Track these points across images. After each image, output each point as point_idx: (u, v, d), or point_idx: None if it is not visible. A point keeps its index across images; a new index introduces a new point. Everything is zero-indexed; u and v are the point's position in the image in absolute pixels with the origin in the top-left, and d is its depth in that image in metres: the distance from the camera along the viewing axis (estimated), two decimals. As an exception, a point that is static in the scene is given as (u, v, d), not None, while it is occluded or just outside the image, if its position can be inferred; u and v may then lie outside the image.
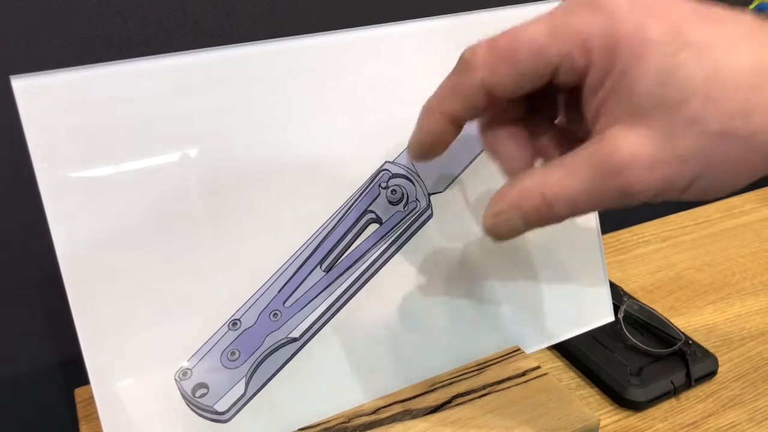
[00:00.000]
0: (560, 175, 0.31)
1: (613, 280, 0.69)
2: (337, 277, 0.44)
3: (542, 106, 0.37)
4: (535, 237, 0.51)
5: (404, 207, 0.46)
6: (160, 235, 0.40)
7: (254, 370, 0.42)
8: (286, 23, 0.64)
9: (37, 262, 0.61)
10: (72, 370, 0.67)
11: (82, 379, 0.47)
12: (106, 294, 0.39)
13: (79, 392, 0.56)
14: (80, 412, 0.54)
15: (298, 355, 0.43)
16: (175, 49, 0.40)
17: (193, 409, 0.41)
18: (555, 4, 0.50)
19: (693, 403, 0.55)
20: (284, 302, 0.43)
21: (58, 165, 0.38)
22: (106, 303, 0.39)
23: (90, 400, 0.55)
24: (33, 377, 0.66)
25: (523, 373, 0.47)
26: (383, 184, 0.45)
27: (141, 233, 0.40)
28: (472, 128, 0.48)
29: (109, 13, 0.57)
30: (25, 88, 0.37)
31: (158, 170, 0.40)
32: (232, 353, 0.42)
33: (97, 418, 0.40)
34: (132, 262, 0.40)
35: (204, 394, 0.41)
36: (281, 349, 0.43)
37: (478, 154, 0.48)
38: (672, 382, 0.55)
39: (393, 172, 0.46)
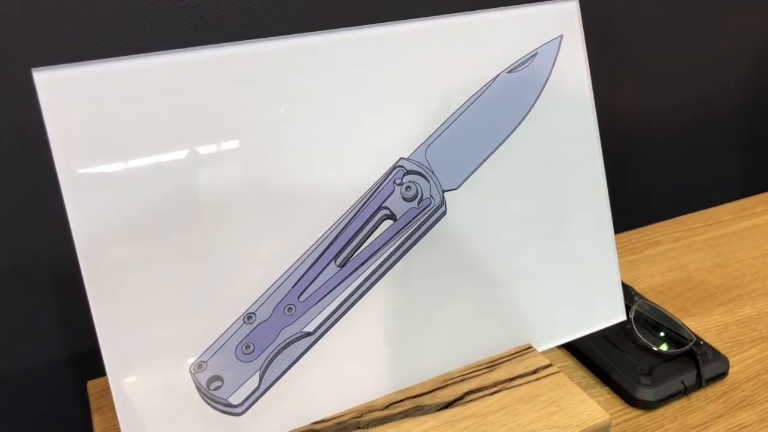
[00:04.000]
0: None
1: (624, 281, 0.69)
2: (351, 273, 0.44)
3: None
4: (548, 233, 0.51)
5: (418, 204, 0.46)
6: (178, 229, 0.40)
7: (268, 364, 0.42)
8: (302, 18, 0.64)
9: (51, 255, 0.62)
10: (85, 363, 0.67)
11: (95, 371, 0.48)
12: (124, 288, 0.39)
13: (91, 385, 0.57)
14: (93, 405, 0.54)
15: (311, 349, 0.44)
16: (193, 44, 0.41)
17: (207, 402, 0.41)
18: (572, 4, 0.50)
19: (703, 403, 0.55)
20: (299, 296, 0.43)
21: (78, 158, 0.38)
22: (123, 296, 0.39)
23: (102, 392, 0.55)
24: (46, 370, 0.66)
25: (535, 371, 0.47)
26: (398, 181, 0.46)
27: (158, 227, 0.40)
28: (486, 126, 0.48)
29: (130, 6, 0.57)
30: (47, 80, 0.37)
31: (176, 165, 0.40)
32: (247, 347, 0.42)
33: (110, 410, 0.40)
34: (150, 256, 0.40)
35: (218, 387, 0.41)
36: (295, 344, 0.43)
37: (493, 152, 0.48)
38: (683, 383, 0.55)
39: (408, 168, 0.46)
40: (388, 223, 0.46)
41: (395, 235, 0.45)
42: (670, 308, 0.65)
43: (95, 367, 0.41)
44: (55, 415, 0.69)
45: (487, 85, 0.48)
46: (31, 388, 0.67)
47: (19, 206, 0.60)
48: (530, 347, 0.50)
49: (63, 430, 0.70)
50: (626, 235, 0.79)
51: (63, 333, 0.66)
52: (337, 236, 0.44)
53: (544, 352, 0.50)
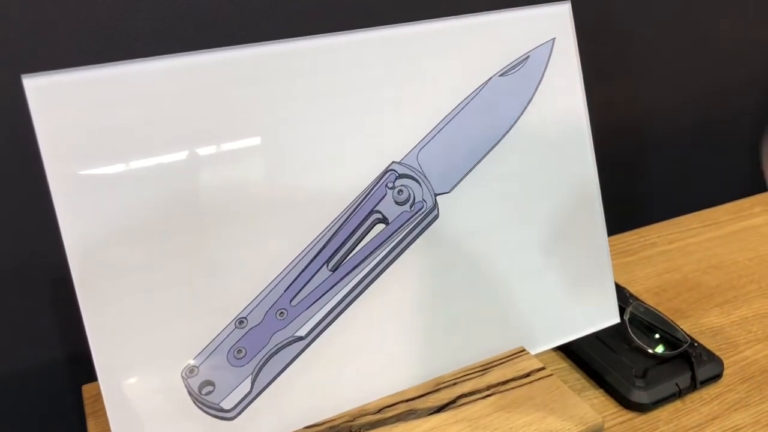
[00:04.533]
0: None
1: (619, 282, 0.68)
2: (343, 277, 0.44)
3: None
4: (541, 236, 0.51)
5: (410, 207, 0.46)
6: (168, 233, 0.40)
7: (260, 369, 0.42)
8: (299, 22, 0.64)
9: (46, 258, 0.62)
10: (80, 367, 0.67)
11: (90, 375, 0.48)
12: (115, 292, 0.40)
13: (86, 388, 0.57)
14: (88, 409, 0.55)
15: (303, 353, 0.44)
16: (188, 48, 0.41)
17: (199, 407, 0.41)
18: (564, 6, 0.50)
19: (698, 405, 0.55)
20: (291, 301, 0.43)
21: (68, 163, 0.38)
22: (115, 300, 0.40)
23: (97, 396, 0.55)
24: (41, 373, 0.67)
25: (528, 374, 0.47)
26: (390, 184, 0.46)
27: (149, 232, 0.40)
28: (478, 129, 0.48)
29: (121, 11, 0.57)
30: (36, 86, 0.37)
31: (167, 169, 0.40)
32: (239, 351, 0.42)
33: (105, 414, 0.40)
34: (140, 260, 0.40)
35: (210, 392, 0.41)
36: (287, 348, 0.43)
37: (485, 155, 0.48)
38: (677, 385, 0.55)
39: (400, 172, 0.46)
40: (380, 226, 0.46)
41: (387, 238, 0.46)
42: (666, 310, 0.65)
43: (91, 370, 0.41)
44: (53, 418, 0.69)
45: (479, 89, 0.48)
46: (29, 390, 0.67)
47: (19, 207, 0.60)
48: (523, 350, 0.50)
49: (60, 433, 0.70)
50: (622, 237, 0.79)
51: (62, 335, 0.66)
52: (329, 240, 0.44)
53: (538, 355, 0.50)
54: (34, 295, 0.64)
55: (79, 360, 0.68)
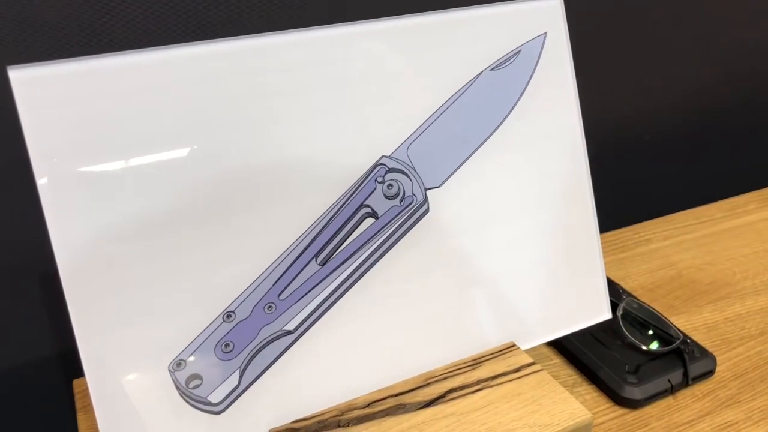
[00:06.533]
0: None
1: (613, 278, 0.68)
2: (332, 271, 0.44)
3: None
4: (532, 232, 0.51)
5: (400, 202, 0.46)
6: (156, 229, 0.40)
7: (248, 362, 0.42)
8: (287, 16, 0.64)
9: (38, 253, 0.62)
10: (71, 362, 0.67)
11: (81, 370, 0.48)
12: (101, 287, 0.39)
13: (77, 383, 0.57)
14: (78, 403, 0.54)
15: (292, 347, 0.43)
16: (177, 41, 0.40)
17: (186, 401, 0.41)
18: (554, 1, 0.50)
19: (690, 402, 0.55)
20: (279, 295, 0.43)
21: (55, 158, 0.38)
22: (101, 296, 0.39)
23: (88, 391, 0.55)
24: (32, 368, 0.66)
25: (518, 369, 0.47)
26: (379, 179, 0.45)
27: (136, 227, 0.40)
28: (469, 123, 0.48)
29: (109, 4, 0.57)
30: (23, 78, 0.37)
31: (156, 165, 0.40)
32: (226, 345, 0.42)
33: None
34: (127, 255, 0.40)
35: (198, 386, 0.41)
36: (275, 342, 0.43)
37: (476, 149, 0.48)
38: (669, 381, 0.55)
39: (390, 166, 0.46)
40: (369, 221, 0.45)
41: (377, 233, 0.45)
42: (660, 306, 0.65)
43: (82, 365, 0.41)
44: (41, 413, 0.69)
45: (470, 83, 0.48)
46: (18, 387, 0.67)
47: (6, 203, 0.60)
48: (514, 345, 0.50)
49: (54, 428, 0.70)
50: (617, 233, 0.79)
51: (50, 331, 0.66)
52: (318, 234, 0.44)
53: (530, 350, 0.50)
54: (25, 291, 0.63)
55: (71, 354, 0.67)
